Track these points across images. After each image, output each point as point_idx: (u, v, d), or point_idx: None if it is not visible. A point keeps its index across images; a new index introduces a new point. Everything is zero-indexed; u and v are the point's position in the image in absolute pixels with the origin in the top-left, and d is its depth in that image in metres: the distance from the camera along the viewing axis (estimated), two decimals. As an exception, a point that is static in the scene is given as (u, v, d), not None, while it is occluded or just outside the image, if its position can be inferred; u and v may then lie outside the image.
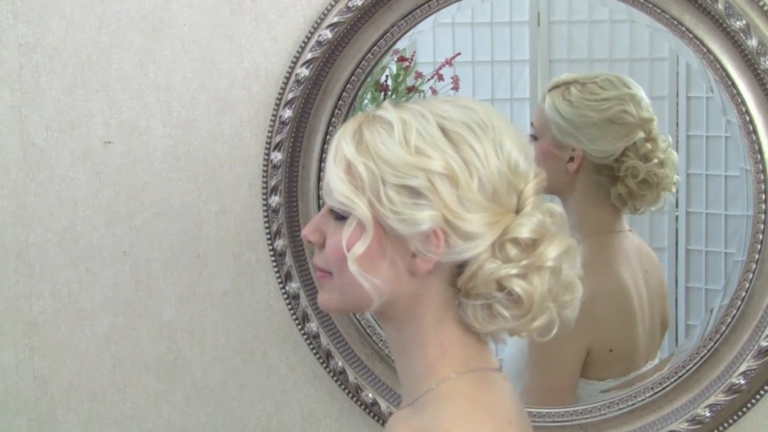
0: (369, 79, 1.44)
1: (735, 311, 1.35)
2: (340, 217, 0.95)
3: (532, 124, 1.51)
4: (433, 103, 0.95)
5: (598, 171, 1.47)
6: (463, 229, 0.90)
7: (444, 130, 0.92)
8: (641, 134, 1.45)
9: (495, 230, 0.90)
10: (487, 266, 0.90)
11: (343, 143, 0.94)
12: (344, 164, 0.93)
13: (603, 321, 1.47)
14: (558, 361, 1.47)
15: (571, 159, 1.46)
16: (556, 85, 1.47)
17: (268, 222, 1.45)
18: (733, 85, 1.31)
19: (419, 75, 1.54)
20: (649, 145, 1.45)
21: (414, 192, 0.90)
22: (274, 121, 1.43)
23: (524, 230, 0.91)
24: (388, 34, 1.40)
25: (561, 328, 0.95)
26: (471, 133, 0.92)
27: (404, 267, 0.93)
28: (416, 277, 0.93)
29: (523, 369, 1.48)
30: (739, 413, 1.36)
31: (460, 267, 0.93)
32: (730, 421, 1.36)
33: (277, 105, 1.43)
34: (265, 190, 1.45)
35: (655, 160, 1.45)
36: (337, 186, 0.93)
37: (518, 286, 0.90)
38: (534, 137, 1.49)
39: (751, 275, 1.34)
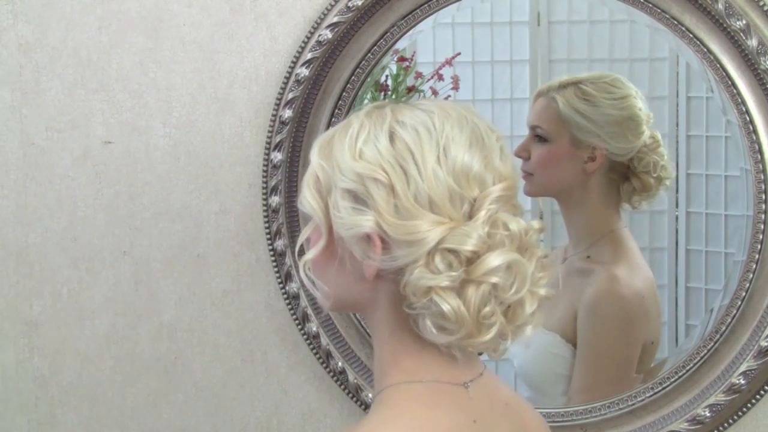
0: (369, 79, 1.44)
1: (735, 311, 1.35)
2: None
3: (538, 126, 1.48)
4: (403, 107, 0.94)
5: (612, 168, 1.47)
6: (396, 237, 0.88)
7: (391, 136, 0.90)
8: (647, 130, 1.46)
9: (431, 239, 0.87)
10: (415, 274, 0.87)
11: (315, 147, 0.95)
12: (312, 170, 0.95)
13: (651, 314, 1.49)
14: (620, 359, 1.47)
15: (590, 159, 1.46)
16: (561, 86, 1.47)
17: (268, 222, 1.46)
18: (733, 85, 1.32)
19: (419, 75, 1.54)
20: (659, 141, 1.46)
21: (354, 197, 0.90)
22: (274, 121, 1.43)
23: (461, 241, 0.87)
24: (388, 34, 1.40)
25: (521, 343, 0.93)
26: (416, 139, 0.90)
27: (354, 271, 0.93)
28: (367, 282, 0.92)
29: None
30: (739, 413, 1.36)
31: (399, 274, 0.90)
32: (730, 421, 1.36)
33: (277, 105, 1.43)
34: (265, 190, 1.45)
35: (665, 155, 1.47)
36: (303, 191, 0.95)
37: (444, 299, 0.86)
38: (542, 139, 1.47)
39: (751, 275, 1.34)
